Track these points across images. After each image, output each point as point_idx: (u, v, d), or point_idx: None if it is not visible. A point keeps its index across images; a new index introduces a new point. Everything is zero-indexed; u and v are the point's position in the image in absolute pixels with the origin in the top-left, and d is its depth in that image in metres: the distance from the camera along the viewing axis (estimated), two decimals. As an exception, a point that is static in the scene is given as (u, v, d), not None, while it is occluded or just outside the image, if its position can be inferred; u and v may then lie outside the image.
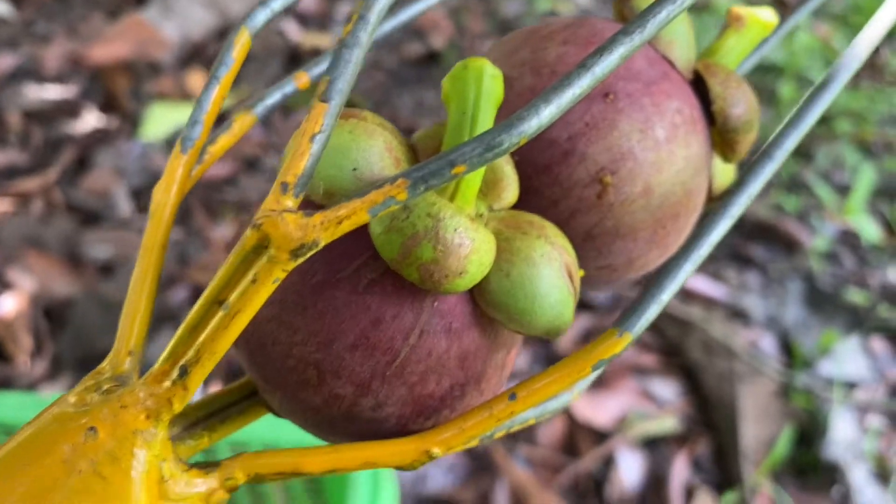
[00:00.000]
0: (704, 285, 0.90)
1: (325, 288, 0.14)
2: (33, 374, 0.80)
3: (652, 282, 0.15)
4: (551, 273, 0.14)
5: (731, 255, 0.96)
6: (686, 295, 0.90)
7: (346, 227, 0.12)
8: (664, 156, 0.15)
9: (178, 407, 0.13)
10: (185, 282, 0.88)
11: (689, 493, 0.72)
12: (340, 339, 0.14)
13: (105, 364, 0.14)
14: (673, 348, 0.83)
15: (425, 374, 0.14)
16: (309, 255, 0.13)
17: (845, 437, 0.76)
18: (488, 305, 0.14)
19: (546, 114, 0.11)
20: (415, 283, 0.14)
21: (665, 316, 0.84)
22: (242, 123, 0.17)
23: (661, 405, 0.79)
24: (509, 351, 0.16)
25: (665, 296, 0.14)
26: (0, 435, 0.56)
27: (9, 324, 0.84)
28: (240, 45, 0.16)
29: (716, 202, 0.17)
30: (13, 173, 1.02)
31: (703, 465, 0.75)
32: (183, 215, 0.97)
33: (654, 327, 0.85)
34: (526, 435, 0.76)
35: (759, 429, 0.76)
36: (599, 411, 0.77)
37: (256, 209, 0.13)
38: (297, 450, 0.14)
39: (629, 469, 0.74)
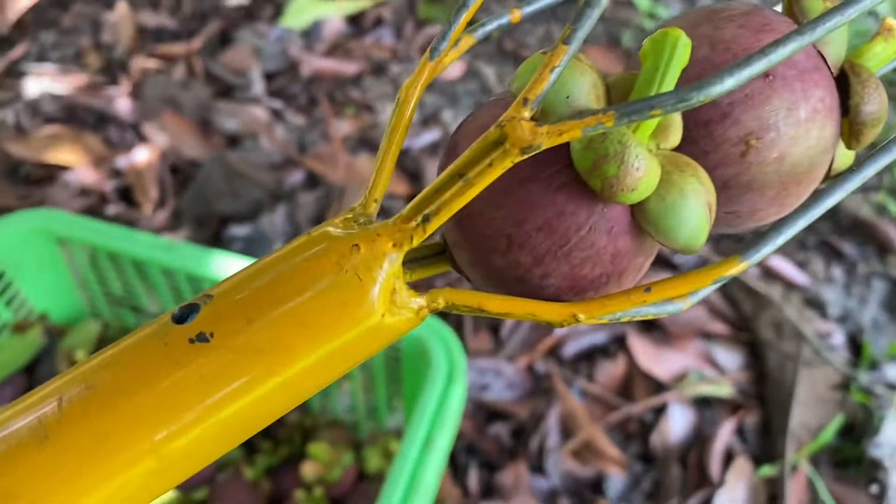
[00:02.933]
0: (789, 269, 0.92)
1: (528, 182, 0.19)
2: (154, 223, 0.88)
3: (773, 227, 0.19)
4: (697, 204, 0.18)
5: (822, 245, 0.97)
6: (769, 274, 0.92)
7: (564, 138, 0.17)
8: (801, 133, 0.19)
9: (416, 242, 0.18)
10: (300, 167, 0.94)
11: (729, 457, 0.76)
12: (530, 221, 0.18)
13: (357, 206, 0.19)
14: (744, 321, 0.86)
15: (585, 261, 0.19)
16: (533, 154, 0.17)
17: (895, 440, 0.78)
18: (643, 219, 0.19)
19: (728, 83, 0.15)
20: (595, 190, 0.18)
21: (744, 288, 0.87)
22: (466, 43, 0.21)
23: (721, 372, 0.82)
24: (647, 258, 0.20)
25: (780, 240, 0.18)
26: (128, 264, 0.63)
27: (139, 173, 0.92)
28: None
29: (833, 179, 0.21)
30: (161, 36, 1.09)
31: (748, 435, 0.79)
32: (308, 104, 1.03)
33: (731, 299, 0.88)
34: (586, 370, 0.81)
35: (811, 414, 0.79)
36: (661, 364, 0.81)
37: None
38: (483, 293, 0.19)
39: (678, 423, 0.78)
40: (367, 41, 1.11)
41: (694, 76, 0.19)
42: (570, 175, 0.18)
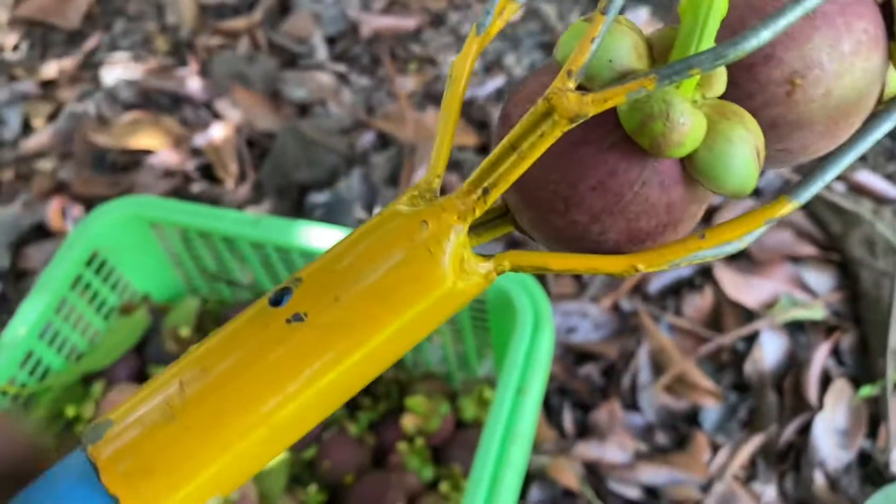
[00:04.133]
0: (879, 183, 0.89)
1: (580, 145, 0.19)
2: (238, 197, 0.91)
3: (820, 164, 0.19)
4: (744, 151, 0.18)
5: (913, 155, 0.93)
6: (857, 189, 0.89)
7: (610, 104, 0.17)
8: (846, 67, 0.19)
9: (479, 213, 0.19)
10: (370, 128, 0.96)
11: (826, 381, 0.75)
12: (585, 181, 0.19)
13: (421, 182, 0.20)
14: (834, 241, 0.84)
15: (640, 214, 0.19)
16: (581, 122, 0.18)
17: None
18: (693, 170, 0.19)
19: (764, 36, 0.16)
20: (644, 148, 0.19)
21: (832, 208, 0.84)
22: (510, 10, 0.22)
23: (813, 295, 0.81)
24: (701, 206, 0.20)
25: (829, 176, 0.18)
26: (219, 241, 0.66)
27: (218, 149, 0.95)
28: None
29: (885, 105, 0.21)
30: (223, 12, 1.11)
31: (844, 357, 0.77)
32: (372, 65, 1.04)
33: (817, 219, 0.85)
34: (673, 304, 0.80)
35: (911, 330, 0.77)
36: (750, 292, 0.80)
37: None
38: (546, 253, 0.20)
39: (771, 350, 0.77)
40: (423, -7, 1.11)
41: (735, 22, 0.19)
42: (619, 135, 0.19)
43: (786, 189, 0.19)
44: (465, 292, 0.20)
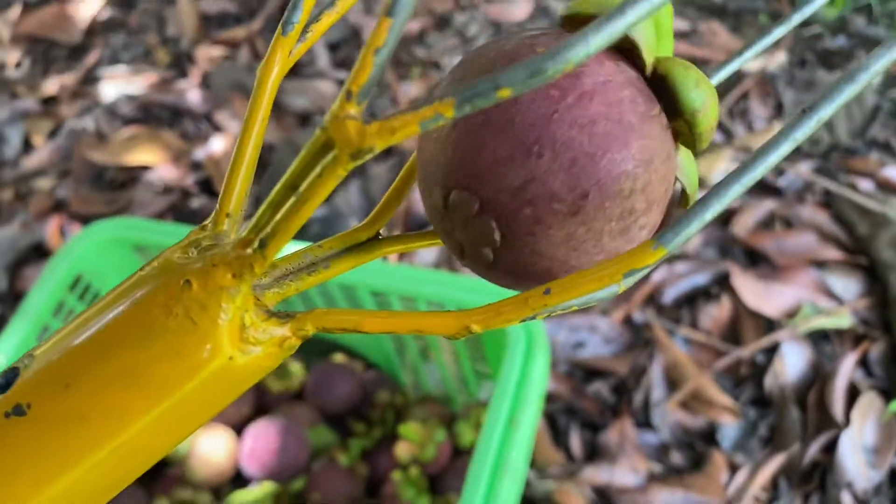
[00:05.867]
0: (908, 180, 0.84)
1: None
2: (237, 211, 0.89)
3: (699, 201, 0.15)
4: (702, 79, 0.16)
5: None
6: (886, 188, 0.84)
7: (400, 136, 0.14)
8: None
9: (258, 270, 0.16)
10: (372, 136, 0.92)
11: (854, 394, 0.70)
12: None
13: (208, 222, 0.17)
14: (860, 244, 0.79)
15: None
16: (368, 157, 0.14)
17: None
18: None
19: (594, 42, 0.12)
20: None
21: (858, 208, 0.79)
22: (344, 1, 0.18)
23: (839, 302, 0.76)
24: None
25: (709, 214, 0.14)
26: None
27: (218, 163, 0.93)
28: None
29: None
30: (225, 21, 1.09)
31: (873, 368, 0.72)
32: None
33: (843, 220, 0.80)
34: (688, 316, 0.76)
35: (945, 338, 0.71)
36: (770, 300, 0.75)
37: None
38: (359, 311, 0.16)
39: (793, 362, 0.73)
40: (427, -5, 1.07)
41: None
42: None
43: (655, 234, 0.15)
44: (250, 367, 0.16)
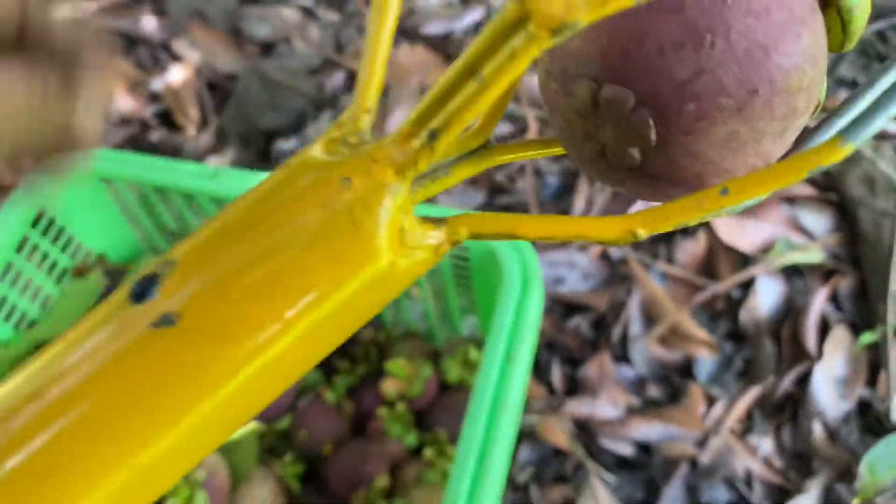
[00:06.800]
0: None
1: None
2: (200, 145, 0.85)
3: (884, 94, 0.14)
4: None
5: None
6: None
7: (612, 7, 0.12)
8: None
9: (422, 167, 0.14)
10: (340, 68, 0.89)
11: (825, 328, 0.72)
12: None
13: (344, 118, 0.15)
14: (831, 181, 0.80)
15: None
16: (568, 35, 0.12)
17: None
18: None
19: None
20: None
21: (829, 146, 0.80)
22: None
23: (810, 237, 0.77)
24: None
25: (894, 107, 0.13)
26: (177, 196, 0.60)
27: (177, 94, 0.89)
28: None
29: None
30: (177, -58, 1.03)
31: (843, 302, 0.74)
32: (340, -2, 0.97)
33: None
34: (665, 251, 0.76)
35: (912, 273, 0.73)
36: (745, 236, 0.76)
37: None
38: (515, 215, 0.15)
39: (767, 296, 0.74)
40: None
41: None
42: None
43: (830, 127, 0.14)
44: (408, 272, 0.14)
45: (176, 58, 0.93)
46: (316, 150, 0.14)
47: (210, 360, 0.13)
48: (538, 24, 0.12)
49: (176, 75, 0.90)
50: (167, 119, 0.88)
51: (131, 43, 0.95)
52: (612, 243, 0.14)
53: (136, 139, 0.86)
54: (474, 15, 0.93)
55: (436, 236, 0.15)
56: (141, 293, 0.14)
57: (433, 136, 0.14)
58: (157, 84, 0.90)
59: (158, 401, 0.13)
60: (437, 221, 0.15)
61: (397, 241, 0.14)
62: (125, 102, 0.88)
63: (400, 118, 0.83)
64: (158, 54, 0.93)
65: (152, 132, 0.86)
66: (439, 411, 0.59)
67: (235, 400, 0.14)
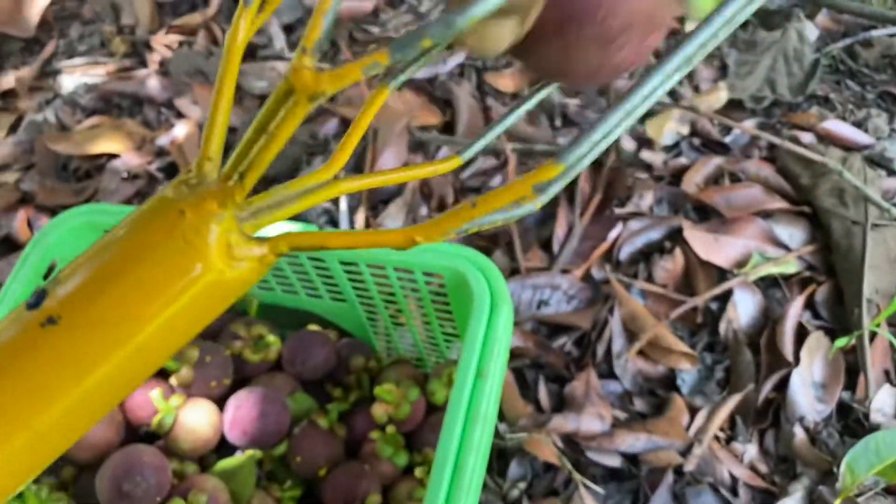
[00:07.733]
0: (847, 130, 0.88)
1: None
2: (204, 194, 0.90)
3: (588, 127, 0.19)
4: None
5: (882, 97, 0.92)
6: (826, 138, 0.88)
7: (346, 81, 0.18)
8: None
9: (239, 199, 0.19)
10: (332, 115, 0.95)
11: (802, 335, 0.75)
12: None
13: (192, 166, 0.20)
14: (803, 193, 0.83)
15: None
16: (321, 100, 0.18)
17: (977, 290, 0.75)
18: None
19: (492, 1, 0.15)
20: None
21: (800, 160, 0.83)
22: None
23: (785, 249, 0.80)
24: None
25: (596, 136, 0.18)
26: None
27: (181, 148, 0.94)
28: None
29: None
30: (179, 8, 1.10)
31: (819, 310, 0.77)
32: (331, 51, 1.03)
33: (786, 173, 0.84)
34: (644, 270, 0.80)
35: (884, 278, 0.76)
36: (721, 251, 0.79)
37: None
38: (324, 232, 0.20)
39: (745, 308, 0.77)
40: (379, -27, 1.09)
41: None
42: None
43: (557, 153, 0.19)
44: (238, 280, 0.20)
45: (180, 115, 0.99)
46: (168, 191, 0.20)
47: (85, 349, 0.18)
48: (299, 93, 0.17)
49: (180, 131, 0.96)
50: (173, 172, 0.94)
51: (137, 103, 1.01)
52: (399, 248, 0.19)
53: (144, 193, 0.91)
54: (457, 59, 0.98)
55: (260, 250, 0.20)
56: (34, 303, 0.19)
57: (242, 176, 0.19)
58: (163, 140, 0.96)
59: (48, 378, 0.18)
60: (262, 239, 0.20)
61: (226, 255, 0.19)
62: (133, 159, 0.94)
63: (389, 158, 0.88)
64: (162, 112, 0.99)
65: (159, 185, 0.92)
66: (427, 431, 0.63)
67: (110, 379, 0.19)
